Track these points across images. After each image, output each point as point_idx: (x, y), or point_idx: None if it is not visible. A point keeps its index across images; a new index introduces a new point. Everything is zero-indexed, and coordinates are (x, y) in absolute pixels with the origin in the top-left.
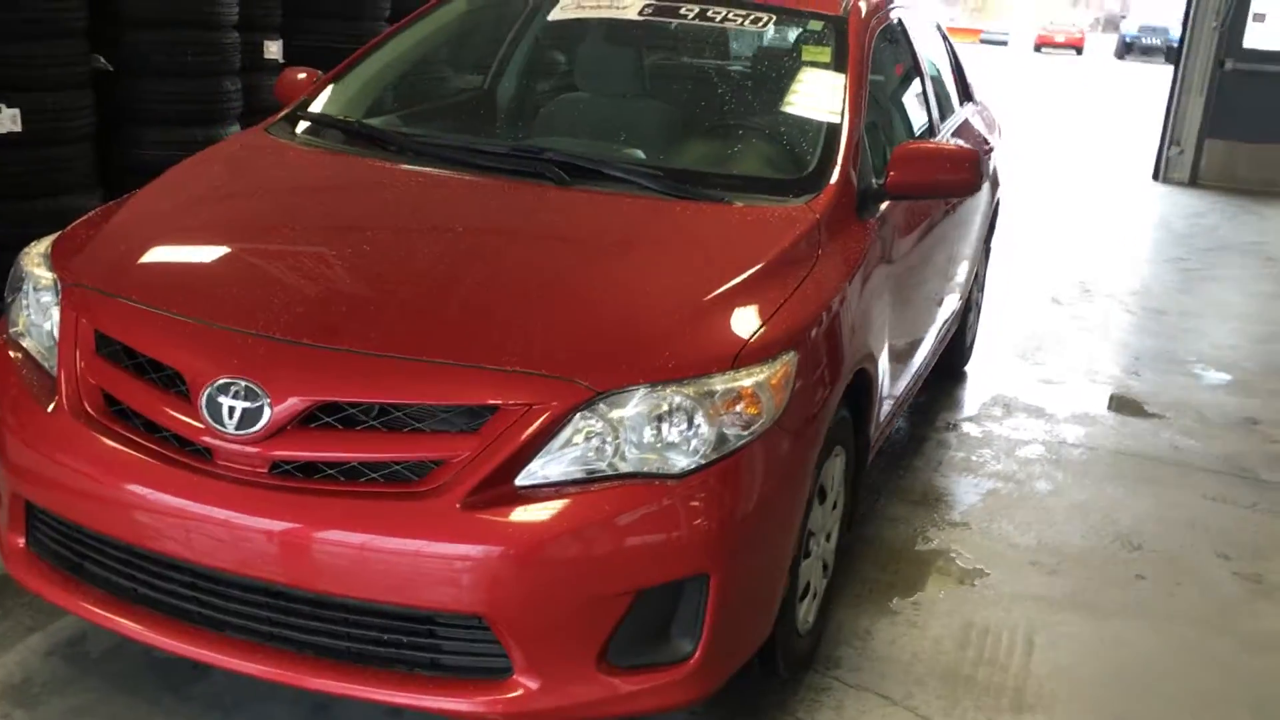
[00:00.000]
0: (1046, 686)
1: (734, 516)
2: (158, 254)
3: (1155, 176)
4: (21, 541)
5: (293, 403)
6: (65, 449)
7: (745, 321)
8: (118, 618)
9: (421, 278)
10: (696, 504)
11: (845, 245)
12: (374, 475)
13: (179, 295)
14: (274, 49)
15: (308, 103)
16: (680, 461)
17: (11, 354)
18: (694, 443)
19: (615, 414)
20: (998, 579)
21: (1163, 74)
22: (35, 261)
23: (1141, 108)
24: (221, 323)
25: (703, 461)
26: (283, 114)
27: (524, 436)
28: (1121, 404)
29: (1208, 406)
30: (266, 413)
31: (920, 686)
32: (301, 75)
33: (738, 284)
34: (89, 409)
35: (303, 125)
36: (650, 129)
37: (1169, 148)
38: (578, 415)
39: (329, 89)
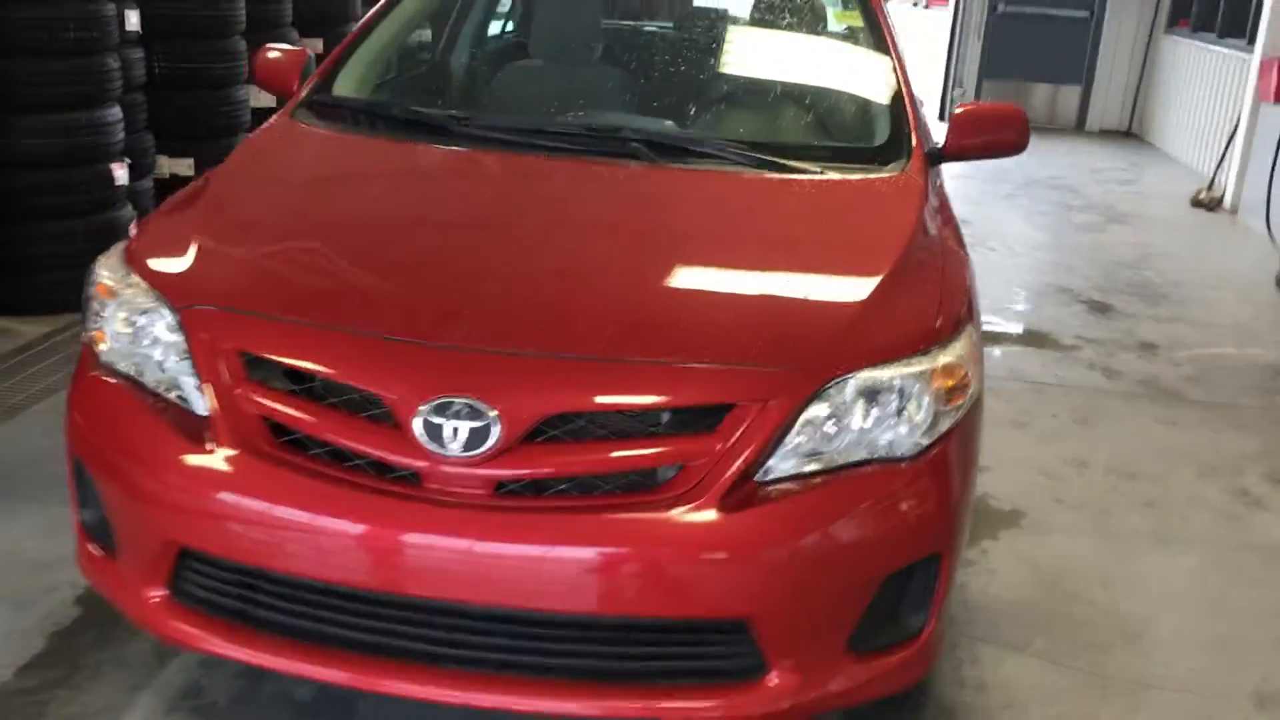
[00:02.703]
0: (1137, 616)
1: (957, 492)
2: (285, 264)
3: (940, 116)
4: (160, 593)
5: (523, 418)
6: (237, 487)
7: (927, 296)
8: (304, 663)
9: (604, 275)
10: (929, 484)
11: (944, 211)
12: (608, 486)
13: (347, 310)
14: (134, 20)
15: (323, 86)
16: (908, 443)
17: (110, 380)
18: (917, 422)
19: (841, 401)
20: (1036, 520)
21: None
22: (119, 282)
23: None
24: (418, 338)
25: (928, 441)
26: (302, 100)
27: (763, 432)
28: (1040, 339)
29: (1107, 335)
30: (495, 431)
31: (1033, 630)
32: (276, 54)
33: (902, 258)
34: (256, 441)
35: (336, 113)
36: (702, 102)
37: (953, 88)
38: (809, 405)
39: (346, 71)
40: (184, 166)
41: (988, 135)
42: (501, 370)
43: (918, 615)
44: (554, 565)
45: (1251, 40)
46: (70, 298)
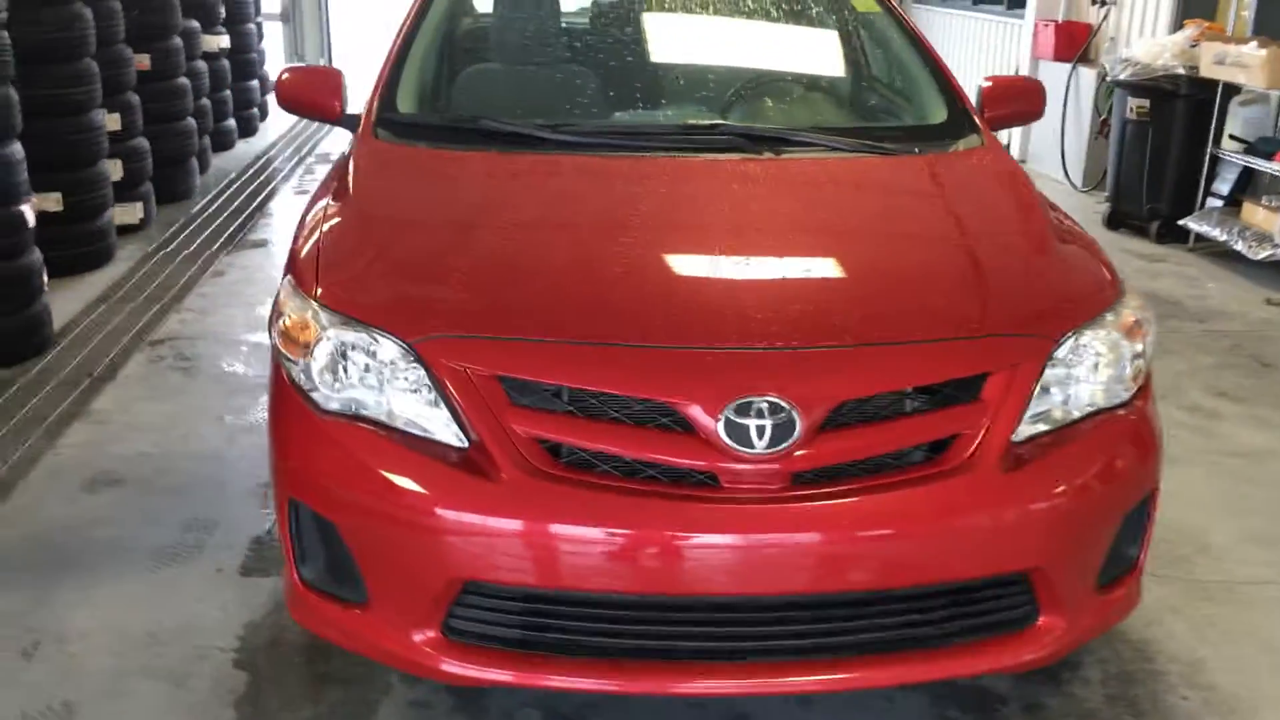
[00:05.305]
0: (1192, 526)
1: (1160, 428)
2: (505, 283)
3: None
4: (431, 634)
5: (818, 409)
6: (532, 514)
7: (1090, 253)
8: (601, 679)
9: (820, 265)
10: (1145, 425)
11: None
12: (894, 464)
13: (604, 323)
14: None
15: (388, 105)
16: (1121, 391)
17: (334, 423)
18: (1124, 372)
19: (1069, 359)
20: None
21: None
22: (313, 322)
23: None
24: (702, 344)
25: (1136, 387)
26: (374, 119)
27: (1018, 395)
28: None
29: None
30: (798, 425)
31: None
32: (302, 75)
33: (1047, 222)
34: (537, 465)
35: (421, 131)
36: (771, 94)
37: None
38: (1047, 366)
39: (402, 89)
40: (52, 202)
41: (1015, 106)
42: (793, 365)
43: (1134, 546)
44: (864, 546)
45: (1011, 6)
46: None
